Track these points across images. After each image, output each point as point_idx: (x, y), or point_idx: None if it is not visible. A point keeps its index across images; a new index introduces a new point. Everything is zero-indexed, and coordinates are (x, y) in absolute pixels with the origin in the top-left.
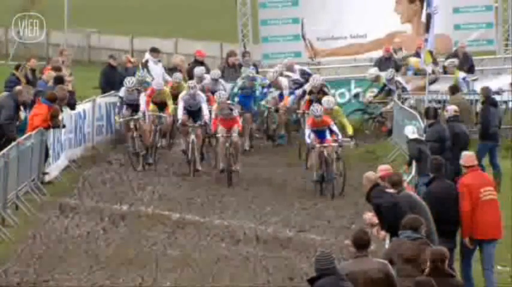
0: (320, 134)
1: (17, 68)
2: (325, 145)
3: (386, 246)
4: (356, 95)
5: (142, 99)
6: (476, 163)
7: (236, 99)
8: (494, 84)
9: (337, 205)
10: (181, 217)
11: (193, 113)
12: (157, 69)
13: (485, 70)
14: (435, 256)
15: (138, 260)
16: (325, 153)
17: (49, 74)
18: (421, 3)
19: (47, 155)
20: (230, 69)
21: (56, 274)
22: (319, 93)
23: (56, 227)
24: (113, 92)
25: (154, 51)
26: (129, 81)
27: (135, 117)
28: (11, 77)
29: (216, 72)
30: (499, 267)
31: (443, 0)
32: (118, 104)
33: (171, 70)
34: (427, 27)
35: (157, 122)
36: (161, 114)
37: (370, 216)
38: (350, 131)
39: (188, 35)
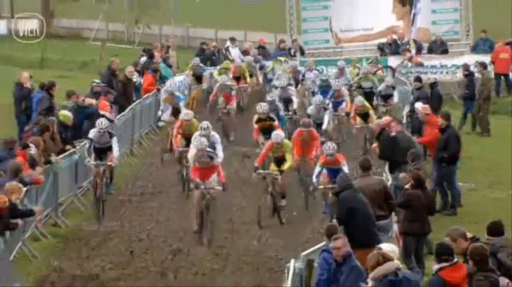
0: (333, 173)
1: (144, 51)
2: (331, 186)
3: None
4: None
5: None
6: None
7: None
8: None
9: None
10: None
11: None
12: (235, 52)
13: (451, 51)
14: (416, 176)
15: None
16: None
17: (157, 55)
18: (410, 6)
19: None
20: (281, 52)
21: None
22: (266, 120)
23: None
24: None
25: (232, 39)
26: None
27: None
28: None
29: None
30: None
31: (425, 4)
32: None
33: (243, 53)
34: (413, 23)
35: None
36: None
37: None
38: (286, 166)
39: (253, 27)
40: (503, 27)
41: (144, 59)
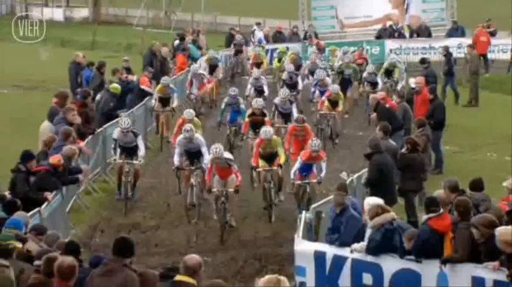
0: (306, 169)
1: (177, 35)
2: (307, 181)
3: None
4: None
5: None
6: None
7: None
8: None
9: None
10: None
11: (194, 155)
12: (259, 35)
13: (438, 36)
14: (412, 141)
15: None
16: (308, 189)
17: (188, 39)
18: None
19: None
20: (294, 36)
21: None
22: (259, 115)
23: None
24: (230, 47)
25: (258, 24)
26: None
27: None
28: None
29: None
30: (506, 158)
31: None
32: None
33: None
34: (406, 11)
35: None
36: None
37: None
38: (282, 160)
39: (271, 15)
40: (484, 15)
41: (177, 42)
